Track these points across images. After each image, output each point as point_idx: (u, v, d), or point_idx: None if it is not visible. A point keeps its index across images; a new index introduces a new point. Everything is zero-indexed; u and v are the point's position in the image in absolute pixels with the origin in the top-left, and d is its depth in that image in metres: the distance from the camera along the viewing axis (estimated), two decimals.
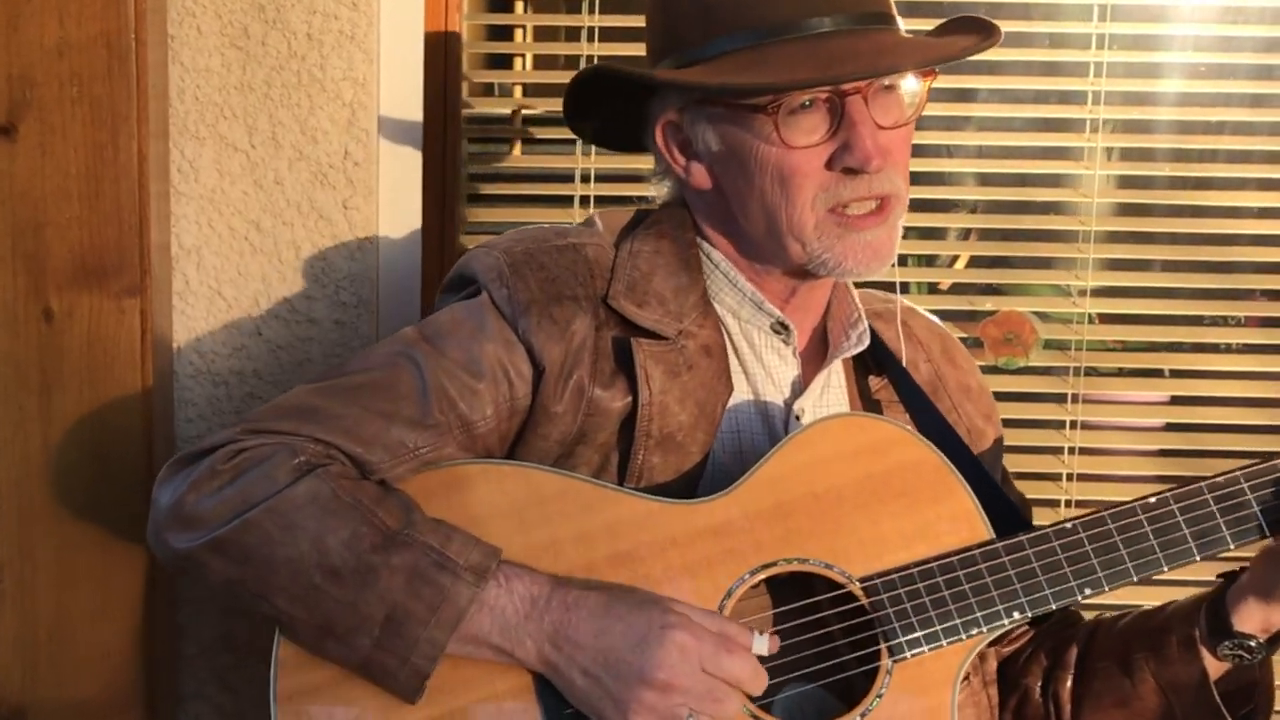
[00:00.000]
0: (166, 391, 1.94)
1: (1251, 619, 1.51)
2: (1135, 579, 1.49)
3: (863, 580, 1.47)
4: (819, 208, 1.49)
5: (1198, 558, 1.50)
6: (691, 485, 1.52)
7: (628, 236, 1.59)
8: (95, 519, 1.88)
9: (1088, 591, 1.49)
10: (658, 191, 1.67)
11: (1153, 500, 1.51)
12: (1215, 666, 1.54)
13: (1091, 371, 2.15)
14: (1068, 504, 2.12)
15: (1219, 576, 1.56)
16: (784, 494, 1.48)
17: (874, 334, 1.65)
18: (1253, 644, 1.50)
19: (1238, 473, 1.52)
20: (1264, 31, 2.11)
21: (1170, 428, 2.17)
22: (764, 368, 1.59)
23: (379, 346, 1.56)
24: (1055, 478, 2.13)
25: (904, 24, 1.57)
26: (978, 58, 2.05)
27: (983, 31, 1.56)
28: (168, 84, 1.91)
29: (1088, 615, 1.71)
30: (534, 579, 1.41)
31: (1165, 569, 1.50)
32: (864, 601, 1.47)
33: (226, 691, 1.98)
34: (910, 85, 1.52)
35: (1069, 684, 1.63)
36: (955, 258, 2.24)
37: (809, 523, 1.48)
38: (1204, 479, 1.52)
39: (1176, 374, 2.18)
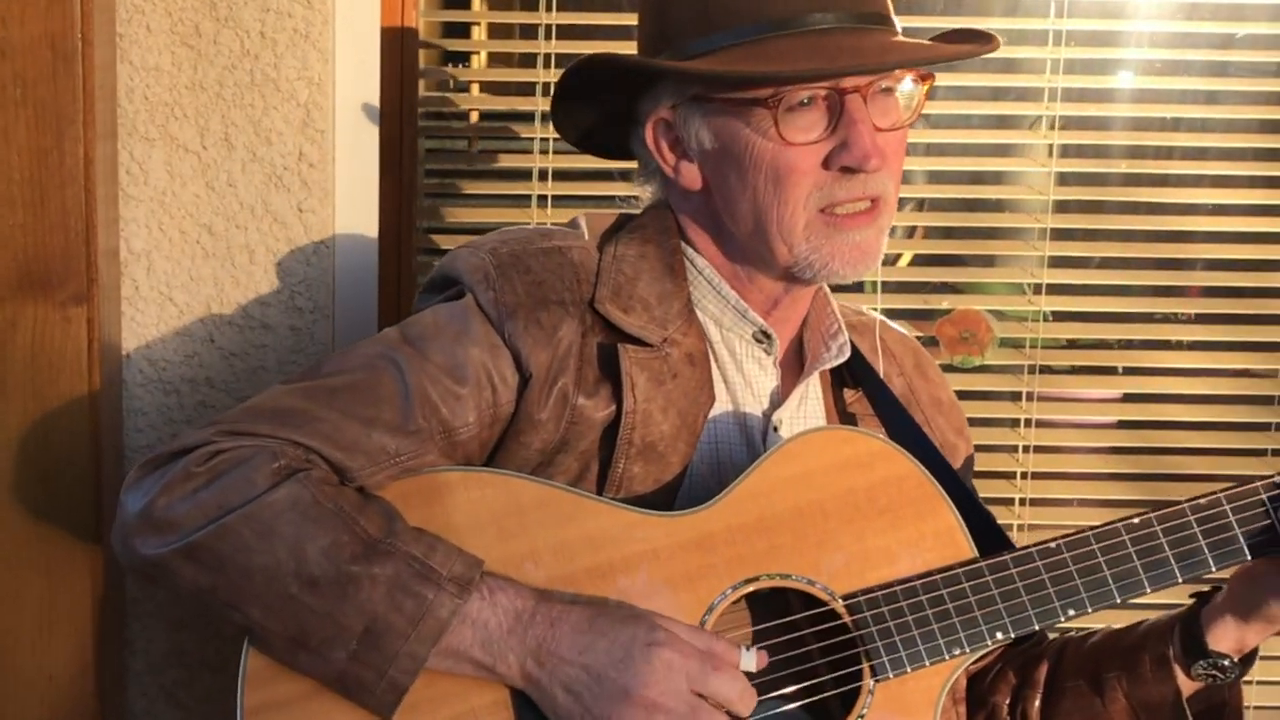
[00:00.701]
0: (115, 401, 1.89)
1: (1226, 638, 1.52)
2: (1119, 600, 1.48)
3: (846, 597, 1.45)
4: (810, 207, 1.47)
5: (1180, 580, 1.49)
6: (670, 496, 1.50)
7: (611, 240, 1.56)
8: (40, 535, 1.83)
9: (1071, 612, 1.48)
10: (641, 194, 1.64)
11: (1136, 521, 1.50)
12: (1188, 686, 1.54)
13: (1046, 370, 2.15)
14: (1022, 503, 2.12)
15: (1192, 596, 1.57)
16: (766, 508, 1.46)
17: (853, 343, 1.64)
18: (1226, 664, 1.51)
19: (1219, 494, 1.51)
20: (1219, 28, 2.11)
21: (1123, 425, 2.19)
22: (744, 377, 1.57)
23: (360, 346, 1.51)
24: (1010, 476, 2.13)
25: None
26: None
27: (980, 39, 1.54)
28: (116, 84, 1.86)
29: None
30: (518, 592, 1.37)
31: (1148, 590, 1.49)
32: (847, 619, 1.45)
33: (178, 708, 1.94)
34: (907, 88, 1.51)
35: (1037, 703, 1.63)
36: (898, 255, 2.23)
37: (792, 538, 1.46)
38: (1186, 500, 1.51)
39: (1130, 371, 2.20)
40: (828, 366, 1.60)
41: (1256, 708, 1.71)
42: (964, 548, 1.50)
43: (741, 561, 1.45)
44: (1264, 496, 1.50)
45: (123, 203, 1.88)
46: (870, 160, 1.45)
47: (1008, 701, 1.64)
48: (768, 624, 1.47)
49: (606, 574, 1.43)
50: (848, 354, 1.60)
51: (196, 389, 1.91)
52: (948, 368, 2.08)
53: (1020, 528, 2.08)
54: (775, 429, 1.56)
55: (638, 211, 1.62)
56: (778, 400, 1.58)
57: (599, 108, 1.60)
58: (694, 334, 1.53)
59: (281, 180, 1.88)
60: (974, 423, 2.00)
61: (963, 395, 1.78)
